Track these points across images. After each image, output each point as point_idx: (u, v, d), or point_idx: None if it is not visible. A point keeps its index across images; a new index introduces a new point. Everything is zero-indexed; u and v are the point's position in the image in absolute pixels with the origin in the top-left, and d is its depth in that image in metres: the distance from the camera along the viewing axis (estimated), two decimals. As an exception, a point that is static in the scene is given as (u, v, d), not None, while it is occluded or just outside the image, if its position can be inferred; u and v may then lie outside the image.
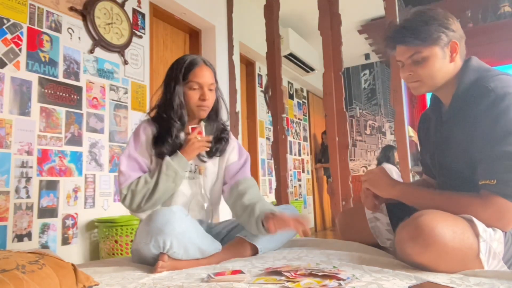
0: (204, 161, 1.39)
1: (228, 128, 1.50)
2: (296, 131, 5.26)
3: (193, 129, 1.35)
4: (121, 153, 2.49)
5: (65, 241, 2.15)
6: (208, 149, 1.37)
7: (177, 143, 1.34)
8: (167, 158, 1.28)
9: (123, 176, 1.28)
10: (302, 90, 5.60)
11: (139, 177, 1.29)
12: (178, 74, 1.35)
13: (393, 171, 4.25)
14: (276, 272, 0.94)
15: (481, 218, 0.96)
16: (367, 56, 5.71)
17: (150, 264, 1.15)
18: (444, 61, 1.11)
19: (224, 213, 1.53)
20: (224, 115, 1.49)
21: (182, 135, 1.37)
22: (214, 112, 1.43)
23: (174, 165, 1.28)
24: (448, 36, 1.09)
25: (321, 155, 5.67)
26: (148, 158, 1.33)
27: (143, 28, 2.79)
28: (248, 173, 1.47)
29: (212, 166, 1.43)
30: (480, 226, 0.94)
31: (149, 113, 1.43)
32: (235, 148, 1.48)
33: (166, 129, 1.33)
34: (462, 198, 1.01)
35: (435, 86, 1.15)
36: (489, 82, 1.02)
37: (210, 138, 1.37)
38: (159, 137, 1.33)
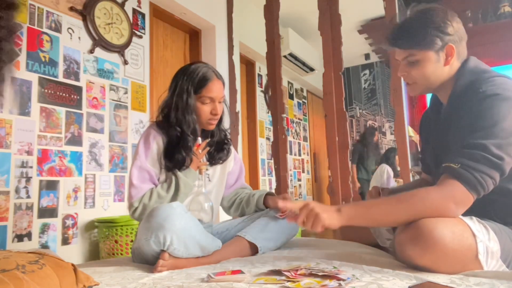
0: (206, 169, 1.42)
1: (230, 139, 1.54)
2: (296, 131, 5.26)
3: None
4: (122, 154, 2.50)
5: (65, 241, 2.15)
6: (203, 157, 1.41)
7: (190, 156, 1.35)
8: (183, 176, 1.30)
9: (135, 189, 1.28)
10: (302, 90, 5.60)
11: (151, 190, 1.29)
12: (190, 87, 1.34)
13: (385, 172, 4.27)
14: (276, 272, 0.94)
15: (435, 201, 0.94)
16: (367, 56, 5.71)
17: (150, 263, 1.15)
18: (437, 65, 1.11)
19: (224, 214, 1.55)
20: (226, 123, 1.52)
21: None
22: (218, 121, 1.46)
23: (190, 182, 1.31)
24: (444, 40, 1.09)
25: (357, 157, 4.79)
26: (158, 168, 1.34)
27: (143, 28, 2.79)
28: (243, 180, 1.59)
29: (214, 170, 1.47)
30: (474, 226, 0.94)
31: (157, 119, 1.42)
32: (232, 154, 1.54)
33: (180, 142, 1.33)
34: (419, 190, 0.99)
35: (429, 88, 1.16)
36: (481, 84, 1.02)
37: (207, 141, 1.41)
38: (172, 150, 1.32)
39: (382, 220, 1.01)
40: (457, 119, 1.06)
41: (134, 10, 2.72)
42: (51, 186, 2.11)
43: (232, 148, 1.55)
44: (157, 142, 1.34)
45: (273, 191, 3.48)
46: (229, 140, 1.52)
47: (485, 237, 0.94)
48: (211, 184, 1.45)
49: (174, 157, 1.32)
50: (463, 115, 1.03)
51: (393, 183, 4.20)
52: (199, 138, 1.42)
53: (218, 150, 1.46)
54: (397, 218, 0.97)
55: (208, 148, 1.41)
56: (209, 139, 1.43)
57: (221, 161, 1.47)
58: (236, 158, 1.58)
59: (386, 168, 4.30)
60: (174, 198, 1.29)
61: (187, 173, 1.31)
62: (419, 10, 1.13)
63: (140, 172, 1.30)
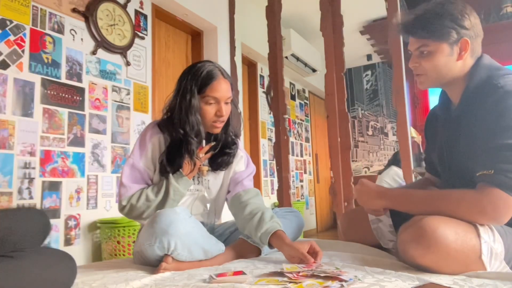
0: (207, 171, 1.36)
1: (238, 141, 1.42)
2: (298, 132, 5.26)
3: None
4: (124, 155, 2.50)
5: (68, 242, 2.16)
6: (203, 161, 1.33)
7: (194, 161, 1.29)
8: (174, 182, 1.24)
9: (123, 187, 1.25)
10: (304, 91, 5.60)
11: (141, 191, 1.25)
12: (193, 86, 1.25)
13: (396, 175, 4.22)
14: (278, 273, 0.94)
15: (475, 210, 0.93)
16: (369, 57, 5.71)
17: (153, 265, 1.14)
18: (450, 58, 1.09)
19: (227, 214, 1.52)
20: (237, 127, 1.41)
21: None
22: (225, 124, 1.34)
23: (181, 189, 1.25)
24: (459, 34, 1.07)
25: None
26: (151, 168, 1.29)
27: (145, 29, 2.79)
28: (251, 184, 1.42)
29: (216, 176, 1.39)
30: (480, 227, 0.94)
31: (161, 121, 1.35)
32: (242, 158, 1.43)
33: (183, 146, 1.26)
34: (456, 192, 0.99)
35: (439, 82, 1.13)
36: (499, 80, 1.01)
37: (210, 146, 1.33)
38: (173, 154, 1.26)
39: (417, 210, 1.03)
40: (473, 116, 1.04)
41: (136, 12, 2.73)
42: (53, 187, 2.11)
43: (245, 154, 1.45)
44: (153, 142, 1.29)
45: (276, 195, 3.47)
46: (236, 146, 1.39)
47: (490, 238, 0.94)
48: (211, 190, 1.39)
49: (176, 161, 1.26)
50: (483, 114, 1.00)
51: None
52: (203, 141, 1.34)
53: (220, 156, 1.36)
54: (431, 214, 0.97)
55: (211, 153, 1.33)
56: (214, 143, 1.35)
57: (222, 168, 1.38)
58: (249, 164, 1.46)
59: (398, 171, 4.24)
60: (162, 203, 1.24)
61: (179, 180, 1.25)
62: (438, 2, 1.11)
63: (132, 171, 1.27)
